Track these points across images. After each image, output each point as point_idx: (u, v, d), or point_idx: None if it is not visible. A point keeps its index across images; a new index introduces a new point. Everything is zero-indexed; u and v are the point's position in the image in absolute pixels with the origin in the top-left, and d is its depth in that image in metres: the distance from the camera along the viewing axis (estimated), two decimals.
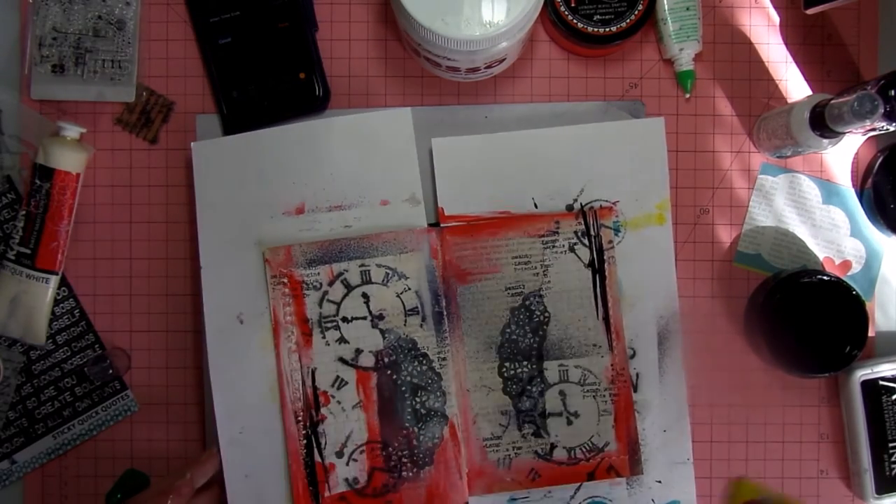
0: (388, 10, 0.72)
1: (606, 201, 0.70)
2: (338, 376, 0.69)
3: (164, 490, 0.64)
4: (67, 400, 0.72)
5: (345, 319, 0.69)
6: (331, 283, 0.69)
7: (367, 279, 0.69)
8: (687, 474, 0.70)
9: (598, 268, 0.70)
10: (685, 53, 0.71)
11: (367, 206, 0.69)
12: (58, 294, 0.71)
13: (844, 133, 0.63)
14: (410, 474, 0.69)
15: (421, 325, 0.69)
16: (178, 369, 0.72)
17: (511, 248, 0.69)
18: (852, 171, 0.73)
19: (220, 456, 0.68)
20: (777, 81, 0.73)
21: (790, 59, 0.73)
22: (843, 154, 0.73)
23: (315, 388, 0.69)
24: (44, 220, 0.69)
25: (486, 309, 0.69)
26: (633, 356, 0.70)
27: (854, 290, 0.68)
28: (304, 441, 0.69)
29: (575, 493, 0.70)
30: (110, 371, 0.70)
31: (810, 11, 0.69)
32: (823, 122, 0.62)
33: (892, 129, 0.61)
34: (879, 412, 0.70)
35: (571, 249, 0.70)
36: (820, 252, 0.73)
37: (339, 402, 0.69)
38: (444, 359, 0.69)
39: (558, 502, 0.70)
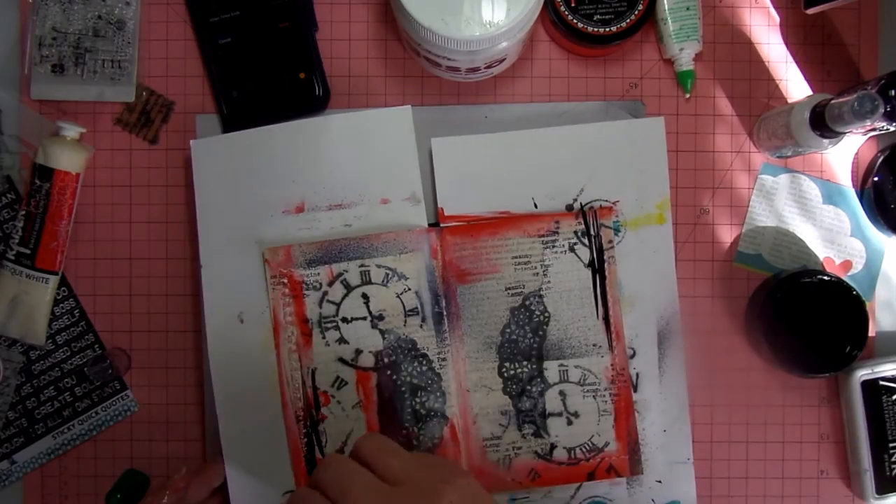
0: (388, 10, 0.72)
1: (606, 201, 0.70)
2: (338, 376, 0.69)
3: (161, 485, 0.65)
4: (67, 400, 0.72)
5: (345, 320, 0.69)
6: (330, 284, 0.69)
7: (366, 280, 0.69)
8: (687, 474, 0.70)
9: (598, 268, 0.70)
10: (685, 53, 0.71)
11: (367, 204, 0.69)
12: (58, 294, 0.71)
13: (845, 133, 0.63)
14: None
15: (421, 326, 0.69)
16: (178, 369, 0.72)
17: (511, 248, 0.69)
18: (853, 171, 0.73)
19: (224, 465, 0.68)
20: (777, 81, 0.73)
21: (790, 58, 0.73)
22: (844, 154, 0.73)
23: (315, 388, 0.69)
24: (43, 220, 0.69)
25: (485, 309, 0.69)
26: (633, 356, 0.70)
27: (854, 290, 0.68)
28: (305, 440, 0.69)
29: (575, 493, 0.70)
30: (110, 371, 0.70)
31: (810, 11, 0.69)
32: (824, 122, 0.62)
33: (892, 129, 0.61)
34: (880, 412, 0.69)
35: (571, 249, 0.70)
36: (820, 252, 0.73)
37: (338, 402, 0.69)
38: (443, 359, 0.69)
39: (558, 502, 0.70)
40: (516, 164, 0.70)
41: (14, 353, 0.72)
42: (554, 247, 0.70)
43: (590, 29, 0.69)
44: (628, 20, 0.69)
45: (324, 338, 0.69)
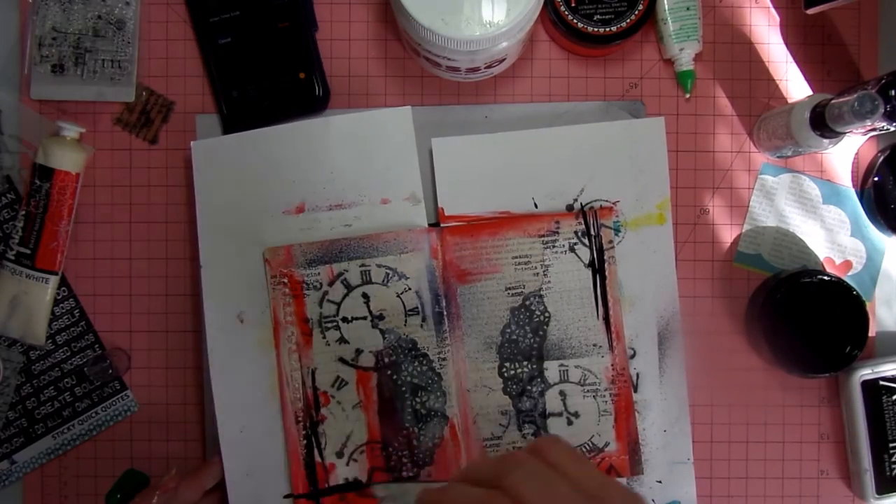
0: (388, 10, 0.72)
1: (606, 201, 0.70)
2: (338, 376, 0.69)
3: (152, 486, 0.65)
4: (67, 400, 0.72)
5: (345, 319, 0.69)
6: (331, 284, 0.69)
7: (367, 279, 0.69)
8: (687, 474, 0.70)
9: (598, 268, 0.70)
10: (685, 53, 0.71)
11: (368, 204, 0.69)
12: (58, 294, 0.71)
13: (845, 133, 0.63)
14: (410, 474, 0.69)
15: (421, 326, 0.69)
16: (178, 369, 0.72)
17: (511, 248, 0.69)
18: (853, 171, 0.73)
19: (222, 464, 0.68)
20: (777, 81, 0.73)
21: (790, 58, 0.73)
22: (844, 154, 0.73)
23: (315, 389, 0.69)
24: (43, 220, 0.69)
25: (486, 309, 0.69)
26: (633, 356, 0.70)
27: (854, 290, 0.68)
28: (305, 441, 0.69)
29: None
30: (110, 371, 0.70)
31: (810, 11, 0.69)
32: (824, 122, 0.62)
33: (892, 129, 0.61)
34: (880, 412, 0.69)
35: (571, 249, 0.70)
36: (820, 252, 0.73)
37: (339, 403, 0.69)
38: (444, 359, 0.69)
39: None
40: (516, 164, 0.70)
41: (14, 353, 0.72)
42: (554, 247, 0.70)
43: (590, 29, 0.69)
44: (628, 20, 0.69)
45: (324, 337, 0.69)
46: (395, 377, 0.69)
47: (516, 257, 0.69)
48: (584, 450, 0.69)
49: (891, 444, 0.70)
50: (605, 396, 0.69)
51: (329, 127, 0.69)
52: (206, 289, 0.69)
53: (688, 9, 0.70)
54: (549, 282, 0.69)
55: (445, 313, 0.69)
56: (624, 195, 0.70)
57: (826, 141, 0.64)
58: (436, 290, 0.69)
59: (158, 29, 0.72)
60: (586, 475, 0.46)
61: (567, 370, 0.69)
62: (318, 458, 0.69)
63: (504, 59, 0.67)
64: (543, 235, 0.70)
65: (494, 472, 0.45)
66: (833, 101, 0.62)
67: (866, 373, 0.69)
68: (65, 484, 0.72)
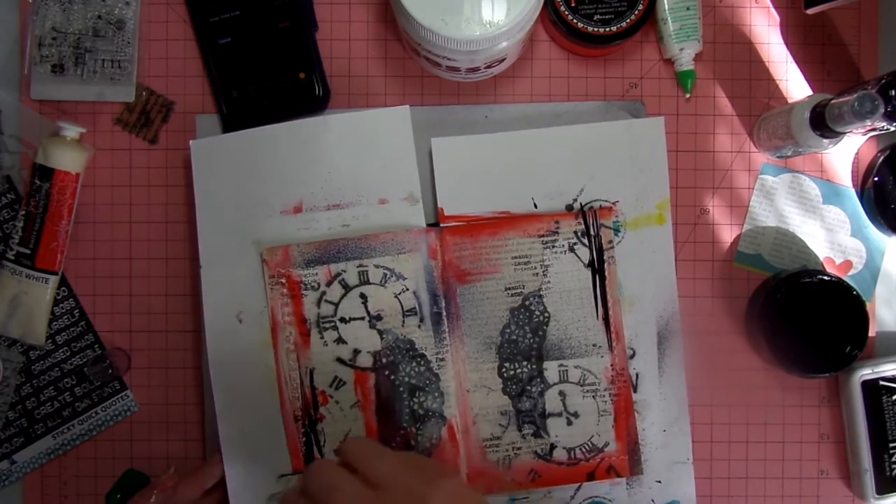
0: (388, 10, 0.72)
1: (606, 201, 0.70)
2: (336, 376, 0.69)
3: (150, 485, 0.66)
4: (67, 400, 0.72)
5: (343, 320, 0.69)
6: (329, 284, 0.69)
7: (365, 280, 0.69)
8: (687, 474, 0.70)
9: (597, 268, 0.70)
10: (685, 53, 0.71)
11: (366, 204, 0.69)
12: (57, 294, 0.71)
13: (845, 133, 0.63)
14: None
15: (419, 326, 0.69)
16: (178, 369, 0.72)
17: (511, 248, 0.69)
18: (853, 171, 0.73)
19: (222, 463, 0.68)
20: (777, 81, 0.73)
21: (790, 58, 0.73)
22: (844, 154, 0.73)
23: (313, 388, 0.69)
24: (43, 220, 0.69)
25: (485, 309, 0.69)
26: (632, 356, 0.70)
27: (854, 290, 0.68)
28: (304, 439, 0.69)
29: (575, 493, 0.70)
30: (110, 371, 0.70)
31: (810, 11, 0.69)
32: (824, 122, 0.62)
33: (892, 128, 0.61)
34: (880, 412, 0.69)
35: (571, 249, 0.70)
36: (820, 252, 0.73)
37: (337, 402, 0.69)
38: (442, 359, 0.69)
39: (558, 503, 0.70)
40: (516, 164, 0.70)
41: (14, 353, 0.72)
42: (554, 247, 0.70)
43: (590, 29, 0.68)
44: (628, 20, 0.69)
45: (322, 338, 0.69)
46: (392, 377, 0.69)
47: (516, 257, 0.69)
48: (583, 450, 0.69)
49: (891, 444, 0.70)
50: (604, 396, 0.69)
51: (327, 126, 0.69)
52: (206, 289, 0.69)
53: (688, 9, 0.70)
54: (549, 282, 0.69)
55: (445, 313, 0.69)
56: (624, 195, 0.70)
57: (826, 141, 0.64)
58: (434, 291, 0.69)
59: (158, 29, 0.72)
60: (374, 469, 0.52)
61: (567, 370, 0.69)
62: (317, 456, 0.69)
63: (504, 59, 0.67)
64: (543, 235, 0.70)
65: (303, 477, 0.53)
66: (833, 101, 0.62)
67: (866, 373, 0.69)
68: (65, 484, 0.72)
